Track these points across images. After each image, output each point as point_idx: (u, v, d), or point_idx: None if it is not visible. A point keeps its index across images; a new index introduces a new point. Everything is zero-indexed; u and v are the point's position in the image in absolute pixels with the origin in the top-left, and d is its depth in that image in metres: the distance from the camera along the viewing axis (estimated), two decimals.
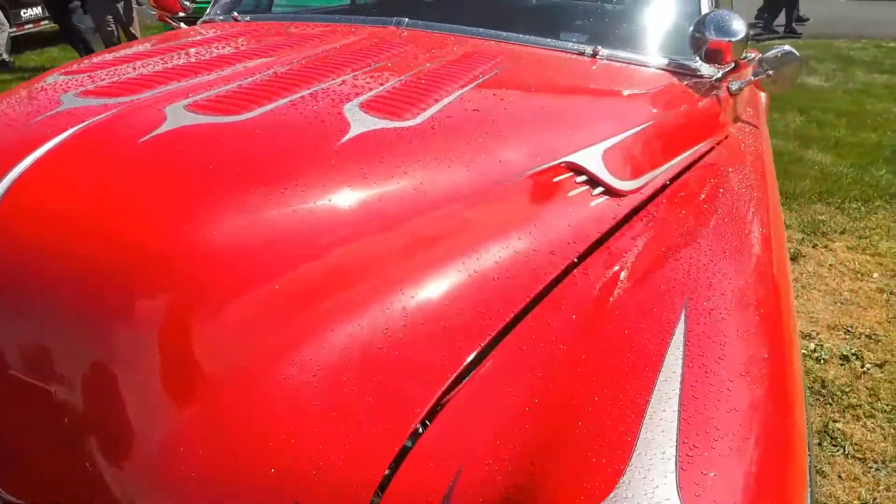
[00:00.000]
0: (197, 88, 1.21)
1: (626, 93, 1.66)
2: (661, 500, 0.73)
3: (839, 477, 2.26)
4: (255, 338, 0.89)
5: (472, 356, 0.97)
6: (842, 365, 2.86)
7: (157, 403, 0.86)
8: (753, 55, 2.10)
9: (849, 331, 3.11)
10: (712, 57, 1.82)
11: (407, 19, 1.92)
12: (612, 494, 0.74)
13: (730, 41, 1.77)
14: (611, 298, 1.08)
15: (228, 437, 0.86)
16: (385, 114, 1.18)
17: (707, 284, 1.12)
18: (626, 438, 0.81)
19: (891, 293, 3.45)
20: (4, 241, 0.86)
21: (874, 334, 3.08)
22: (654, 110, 1.64)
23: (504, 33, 1.87)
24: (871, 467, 2.30)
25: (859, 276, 3.64)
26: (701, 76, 1.89)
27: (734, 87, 2.01)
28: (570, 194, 1.28)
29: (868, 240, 4.03)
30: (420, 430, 0.89)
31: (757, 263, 1.28)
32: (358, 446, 0.86)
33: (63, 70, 1.40)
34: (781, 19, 11.62)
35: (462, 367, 0.95)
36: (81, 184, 0.91)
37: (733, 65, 1.87)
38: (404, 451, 0.87)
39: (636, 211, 1.38)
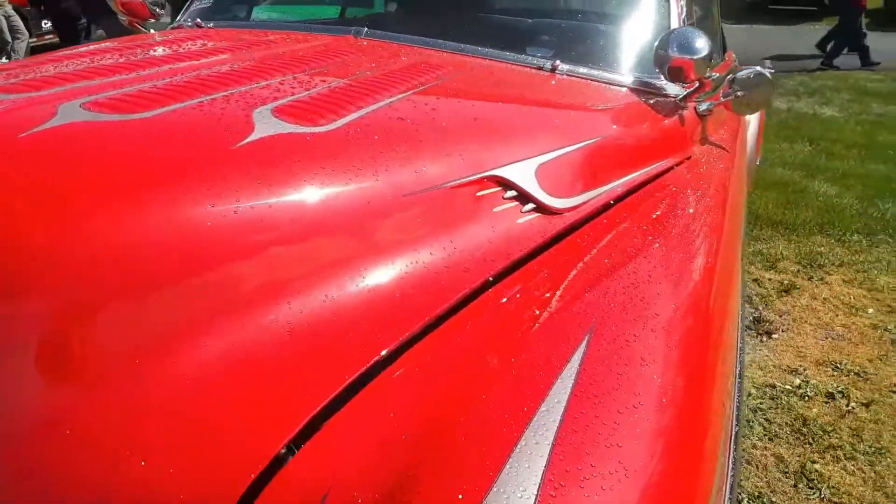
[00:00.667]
0: (105, 87, 1.16)
1: (576, 108, 1.60)
2: None
3: None
4: (119, 343, 0.84)
5: (355, 376, 0.90)
6: (826, 403, 2.75)
7: (20, 399, 0.81)
8: (717, 75, 2.03)
9: (837, 367, 3.00)
10: (675, 75, 1.75)
11: (366, 29, 1.87)
12: None
13: (691, 59, 1.71)
14: (516, 322, 1.01)
15: (81, 441, 0.80)
16: (297, 119, 1.13)
17: (622, 309, 1.05)
18: (489, 473, 0.74)
19: (885, 329, 3.33)
20: None
21: (863, 371, 2.97)
22: (606, 127, 1.57)
23: (465, 46, 1.82)
24: None
25: (854, 310, 3.53)
26: (666, 95, 1.83)
27: (703, 107, 1.94)
28: (494, 209, 1.21)
29: (866, 274, 3.92)
30: (287, 451, 0.82)
31: (690, 293, 1.20)
32: (219, 465, 0.80)
33: None
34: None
35: (343, 387, 0.89)
36: None
37: (698, 84, 1.80)
38: (268, 473, 0.81)
39: (571, 230, 1.30)
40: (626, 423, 0.82)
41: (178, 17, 2.18)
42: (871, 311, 3.52)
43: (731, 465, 1.09)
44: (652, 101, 1.78)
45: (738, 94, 1.91)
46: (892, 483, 2.32)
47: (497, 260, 1.14)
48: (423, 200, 1.12)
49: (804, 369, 2.98)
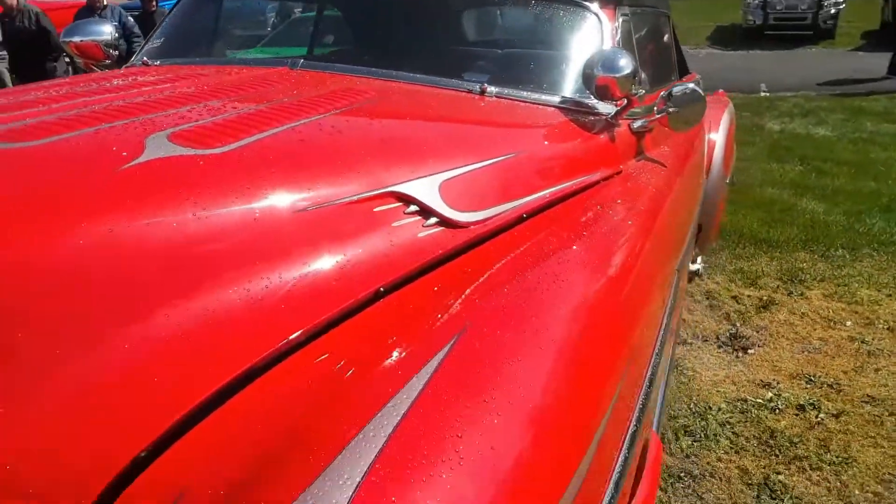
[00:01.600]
0: (12, 119, 1.22)
1: (496, 126, 1.65)
2: None
3: None
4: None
5: (223, 384, 0.93)
6: (797, 415, 2.73)
7: None
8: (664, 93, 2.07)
9: (811, 380, 2.98)
10: (602, 93, 1.80)
11: (302, 60, 1.94)
12: None
13: (615, 77, 1.75)
14: (390, 329, 1.04)
15: None
16: (192, 143, 1.18)
17: (502, 314, 1.07)
18: (320, 465, 0.77)
19: (862, 342, 3.31)
20: None
21: (837, 383, 2.95)
22: (525, 143, 1.62)
23: (400, 73, 1.88)
24: None
25: (832, 324, 3.51)
26: (598, 113, 1.87)
27: (637, 124, 1.98)
28: (394, 224, 1.25)
29: (847, 287, 3.90)
30: (145, 454, 0.85)
31: (586, 301, 1.23)
32: (83, 463, 0.83)
33: None
34: None
35: (211, 393, 0.92)
36: None
37: (626, 101, 1.84)
38: (127, 474, 0.84)
39: (476, 243, 1.34)
40: (470, 417, 0.85)
41: (132, 59, 2.26)
42: (849, 323, 3.51)
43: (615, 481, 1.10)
44: (580, 119, 1.83)
45: (671, 110, 1.95)
46: (857, 492, 2.29)
47: (391, 272, 1.18)
48: (317, 216, 1.16)
49: (777, 383, 2.96)
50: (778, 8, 16.01)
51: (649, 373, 1.38)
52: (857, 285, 3.93)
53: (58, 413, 0.86)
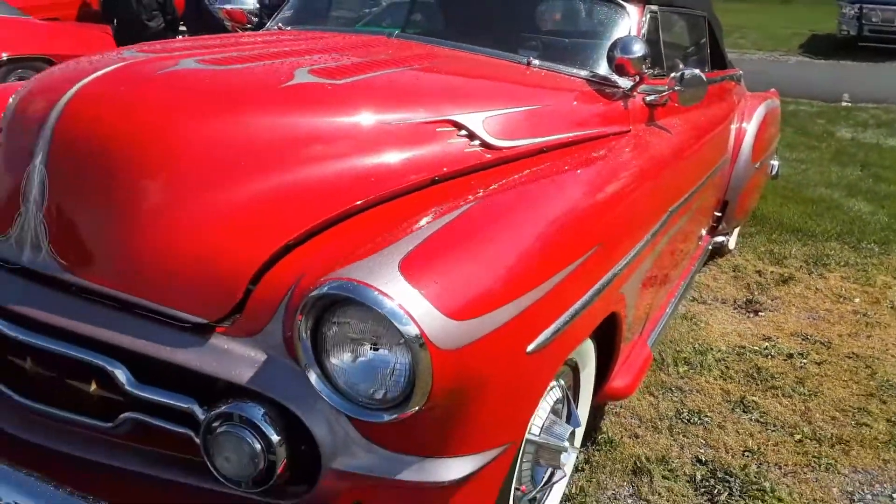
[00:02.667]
0: (212, 53, 1.91)
1: (531, 86, 2.25)
2: (380, 268, 1.30)
3: (737, 432, 2.65)
4: (199, 175, 1.54)
5: (330, 216, 1.57)
6: (785, 360, 3.22)
7: (124, 204, 1.51)
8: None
9: (807, 338, 3.46)
10: (619, 70, 2.37)
11: (397, 32, 2.59)
12: (353, 265, 1.32)
13: (629, 57, 2.32)
14: (435, 200, 1.66)
15: (174, 218, 1.49)
16: (323, 76, 1.84)
17: (504, 197, 1.69)
18: (385, 246, 1.39)
19: (864, 315, 3.74)
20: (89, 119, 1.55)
21: (829, 342, 3.41)
22: (550, 100, 2.22)
23: (468, 45, 2.50)
24: (768, 428, 2.69)
25: (841, 299, 3.94)
26: (616, 86, 2.45)
27: (649, 97, 2.54)
28: (448, 140, 1.87)
29: (865, 273, 4.30)
30: (286, 249, 1.50)
31: (573, 199, 1.82)
32: (255, 244, 1.49)
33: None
34: None
35: (326, 218, 1.56)
36: (120, 95, 1.61)
37: (639, 78, 2.41)
38: (276, 258, 1.48)
39: (504, 161, 1.95)
40: (480, 228, 1.47)
41: (268, 24, 2.96)
42: (857, 300, 3.93)
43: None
44: (601, 89, 2.41)
45: (677, 88, 2.50)
46: (818, 415, 2.79)
47: (445, 168, 1.80)
48: (398, 130, 1.80)
49: (777, 338, 3.44)
50: (873, 20, 15.76)
51: (623, 263, 1.94)
52: (875, 272, 4.32)
53: (236, 222, 1.52)
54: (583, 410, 2.15)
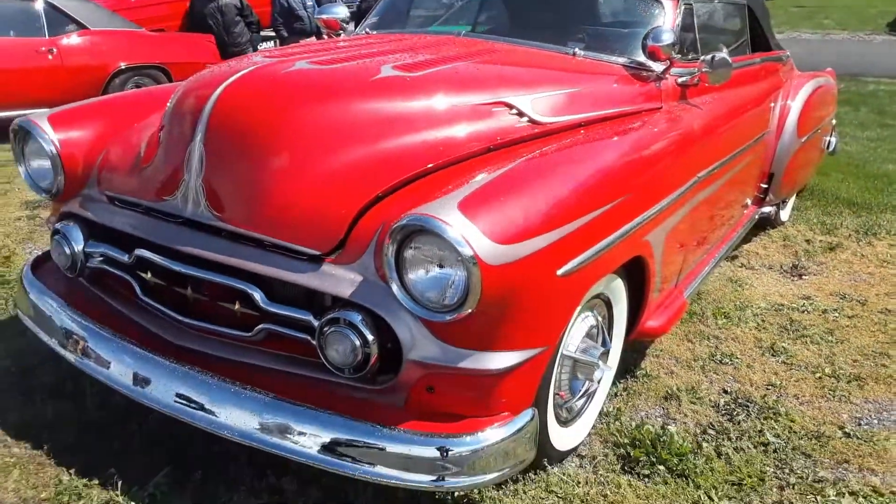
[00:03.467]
0: (319, 55, 2.45)
1: (573, 72, 2.71)
2: (444, 206, 1.79)
3: (763, 370, 3.03)
4: (313, 147, 2.08)
5: (411, 174, 2.08)
6: (819, 315, 3.55)
7: (259, 169, 2.06)
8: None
9: (844, 297, 3.76)
10: (652, 56, 2.80)
11: (464, 31, 3.08)
12: (425, 205, 1.81)
13: (659, 45, 2.74)
14: (492, 161, 2.15)
15: (295, 179, 2.04)
16: (403, 70, 2.35)
17: (557, 152, 2.16)
18: (449, 187, 1.89)
19: None
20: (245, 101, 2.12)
21: (864, 300, 3.71)
22: (589, 83, 2.67)
23: (524, 40, 2.97)
24: (792, 368, 3.05)
25: (885, 264, 4.20)
26: (650, 69, 2.87)
27: (680, 79, 2.94)
28: (501, 118, 2.35)
29: None
30: (377, 199, 2.01)
31: (609, 158, 2.27)
32: (353, 196, 2.01)
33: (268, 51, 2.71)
34: None
35: (406, 177, 2.07)
36: (257, 90, 2.16)
37: (669, 62, 2.82)
38: (369, 205, 2.01)
39: (546, 134, 2.41)
40: (532, 176, 1.95)
41: (356, 29, 3.51)
42: None
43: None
44: (637, 73, 2.84)
45: (705, 70, 2.90)
46: (841, 360, 3.12)
47: (499, 140, 2.29)
48: (461, 110, 2.29)
49: (816, 297, 3.76)
50: None
51: (647, 215, 2.37)
52: None
53: (339, 180, 2.05)
54: (616, 341, 2.60)
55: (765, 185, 4.16)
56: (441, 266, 1.81)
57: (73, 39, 7.51)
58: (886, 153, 6.98)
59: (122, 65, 7.71)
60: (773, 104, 3.98)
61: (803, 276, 4.05)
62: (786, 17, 21.17)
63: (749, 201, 4.03)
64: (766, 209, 4.24)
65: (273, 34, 10.85)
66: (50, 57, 7.29)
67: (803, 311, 3.59)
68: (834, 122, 5.41)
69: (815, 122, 4.48)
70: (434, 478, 1.87)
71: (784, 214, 4.80)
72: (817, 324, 3.44)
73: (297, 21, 8.47)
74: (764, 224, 4.60)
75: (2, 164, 6.25)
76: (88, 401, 2.59)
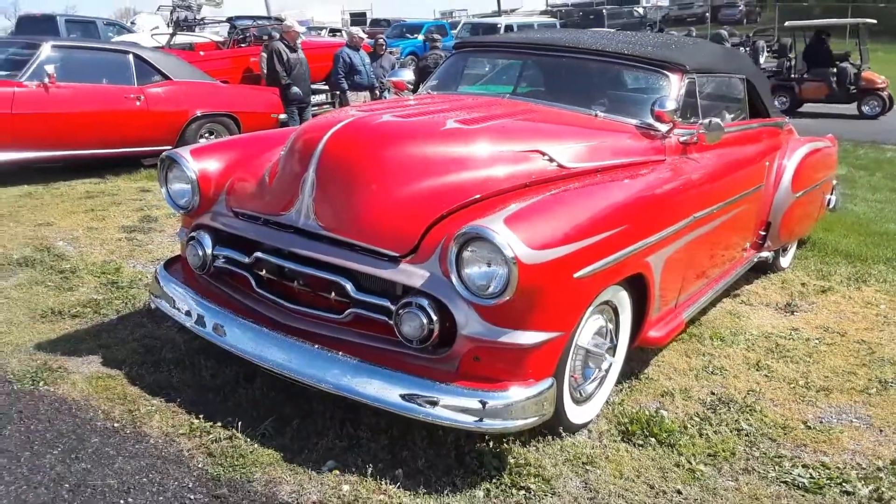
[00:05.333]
0: (399, 111, 3.23)
1: (595, 128, 3.44)
2: (493, 221, 2.50)
3: (747, 380, 3.64)
4: (396, 178, 2.82)
5: (469, 199, 2.81)
6: (803, 341, 4.14)
7: (356, 192, 2.80)
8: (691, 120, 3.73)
9: (827, 329, 4.36)
10: (658, 119, 3.52)
11: (508, 94, 3.86)
12: (479, 220, 2.53)
13: (664, 110, 3.46)
14: (527, 194, 2.87)
15: (383, 200, 2.77)
16: (463, 123, 3.11)
17: (578, 189, 2.87)
18: (496, 209, 2.60)
19: (885, 317, 4.58)
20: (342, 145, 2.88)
21: (845, 332, 4.30)
22: (607, 137, 3.40)
23: (557, 103, 3.73)
24: (772, 380, 3.65)
25: (869, 305, 4.79)
26: (657, 129, 3.59)
27: (682, 138, 3.66)
28: (535, 161, 3.08)
29: None
30: (442, 217, 2.74)
31: (616, 195, 2.97)
32: (425, 214, 2.74)
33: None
34: None
35: (463, 202, 2.80)
36: (356, 134, 2.93)
37: (672, 124, 3.54)
38: (436, 221, 2.73)
39: (571, 176, 3.13)
40: (546, 208, 2.66)
41: (419, 90, 4.30)
42: (882, 306, 4.76)
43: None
44: (646, 131, 3.56)
45: (701, 132, 3.62)
46: (815, 375, 3.72)
47: (533, 179, 3.01)
48: (506, 154, 3.03)
49: (802, 328, 4.36)
50: None
51: (646, 242, 3.05)
52: None
53: (413, 201, 2.79)
54: (622, 342, 3.25)
55: (763, 233, 4.81)
56: (489, 265, 2.51)
57: (157, 88, 8.49)
58: (892, 214, 7.56)
59: (199, 112, 8.65)
60: (768, 162, 4.66)
61: (795, 313, 4.65)
62: None
63: (748, 245, 4.68)
64: (765, 254, 4.87)
65: (326, 87, 11.97)
66: (137, 103, 8.25)
67: (789, 339, 4.19)
68: (834, 181, 6.05)
69: (811, 180, 5.13)
70: (476, 419, 2.54)
71: (785, 261, 5.43)
72: (799, 348, 4.05)
73: (356, 75, 9.51)
74: (765, 268, 5.23)
75: (96, 195, 7.15)
76: (204, 372, 3.31)
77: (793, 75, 16.44)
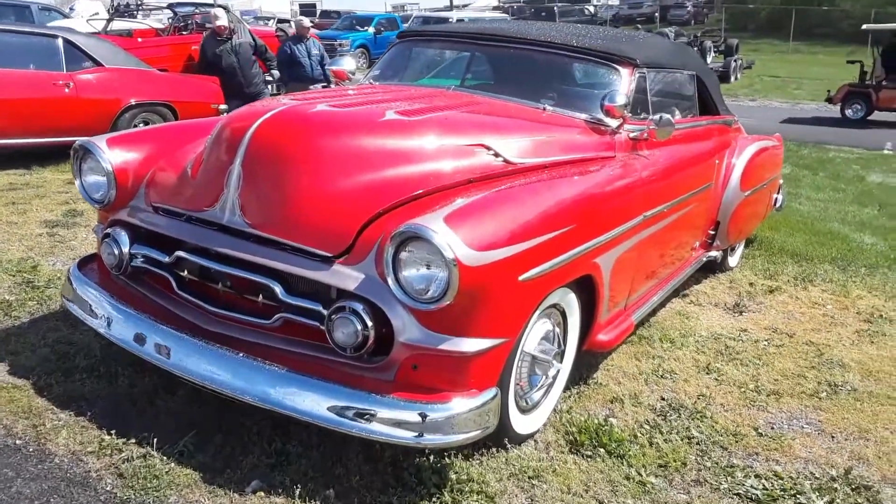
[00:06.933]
0: (336, 100, 3.01)
1: (542, 122, 3.28)
2: (433, 219, 2.31)
3: (697, 384, 3.53)
4: (330, 172, 2.61)
5: (409, 195, 2.61)
6: (751, 343, 4.07)
7: (286, 187, 2.58)
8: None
9: (776, 330, 4.30)
10: (608, 113, 3.38)
11: (454, 86, 3.67)
12: (417, 218, 2.33)
13: (614, 105, 3.32)
14: (470, 190, 2.69)
15: (315, 196, 2.55)
16: (403, 114, 2.90)
17: (520, 188, 2.70)
18: (436, 207, 2.41)
19: (831, 317, 4.56)
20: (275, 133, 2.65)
21: (793, 333, 4.25)
22: (554, 132, 3.24)
23: (503, 95, 3.56)
24: (722, 384, 3.56)
25: (816, 305, 4.76)
26: (606, 125, 3.44)
27: (632, 134, 3.52)
28: (480, 156, 2.90)
29: (844, 287, 5.10)
30: (378, 214, 2.54)
31: (550, 201, 2.79)
32: (360, 211, 2.53)
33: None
34: None
35: (402, 198, 2.60)
36: (287, 124, 2.70)
37: (621, 119, 3.40)
38: (372, 219, 2.52)
39: (517, 172, 2.95)
40: (489, 206, 2.48)
41: (362, 80, 4.08)
42: (829, 306, 4.74)
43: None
44: (595, 126, 3.41)
45: (651, 127, 3.49)
46: (764, 379, 3.64)
47: (479, 175, 2.83)
48: (448, 148, 2.84)
49: (751, 329, 4.30)
50: None
51: (595, 242, 2.90)
52: (854, 287, 5.11)
53: (351, 196, 2.58)
54: (570, 347, 3.10)
55: (712, 232, 4.74)
56: (428, 267, 2.32)
57: (88, 75, 8.05)
58: (835, 213, 7.63)
59: (133, 101, 8.24)
60: (717, 160, 4.58)
61: (743, 313, 4.59)
62: (761, 85, 22.39)
63: (697, 244, 4.59)
64: (713, 253, 4.80)
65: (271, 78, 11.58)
66: (66, 90, 7.80)
67: (738, 340, 4.12)
68: (781, 181, 6.05)
69: (759, 179, 5.08)
70: (415, 433, 2.35)
71: (733, 261, 5.38)
72: (748, 350, 3.97)
73: (300, 68, 9.14)
74: (713, 268, 5.16)
75: (19, 187, 6.72)
76: (121, 380, 3.04)
77: (869, 81, 15.45)
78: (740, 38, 27.07)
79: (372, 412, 2.37)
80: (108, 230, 2.95)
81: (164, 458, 2.54)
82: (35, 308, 3.82)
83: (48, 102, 7.69)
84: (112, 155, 3.01)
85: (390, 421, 2.36)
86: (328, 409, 2.38)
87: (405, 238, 2.30)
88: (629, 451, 2.85)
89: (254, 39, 9.43)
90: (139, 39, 13.52)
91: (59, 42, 8.06)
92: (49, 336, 3.46)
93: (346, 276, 2.43)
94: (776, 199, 5.90)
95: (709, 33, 28.81)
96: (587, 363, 3.54)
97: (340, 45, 23.48)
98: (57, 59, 7.99)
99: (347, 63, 4.07)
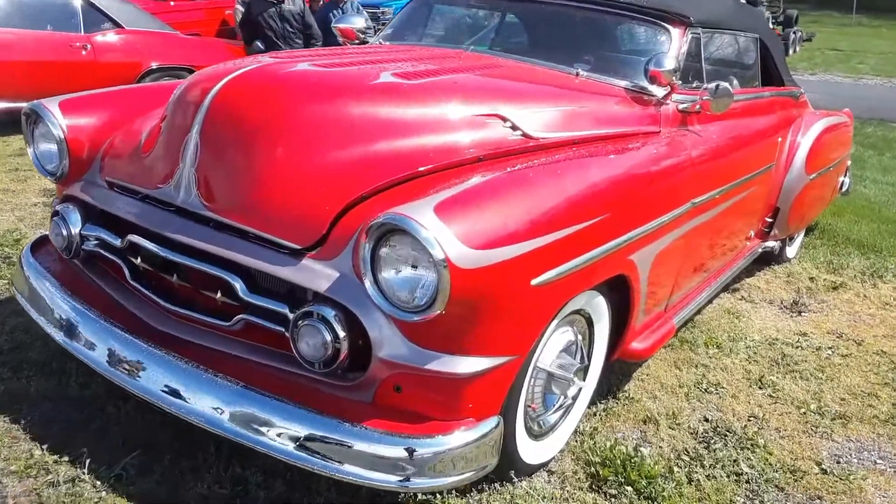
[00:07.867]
0: (324, 59, 2.52)
1: (573, 91, 2.74)
2: (420, 208, 1.82)
3: (748, 402, 3.01)
4: (304, 144, 2.13)
5: (402, 175, 2.12)
6: (812, 351, 3.51)
7: (251, 162, 2.11)
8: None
9: (841, 335, 3.72)
10: (653, 80, 2.82)
11: (472, 47, 3.14)
12: (403, 206, 1.84)
13: (661, 70, 2.77)
14: (481, 168, 2.18)
15: (284, 174, 2.08)
16: (402, 76, 2.40)
17: (543, 166, 2.19)
18: (431, 191, 1.92)
19: None
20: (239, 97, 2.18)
21: (861, 340, 3.67)
22: (587, 102, 2.70)
23: (525, 58, 3.02)
24: (777, 402, 3.02)
25: (887, 306, 4.16)
26: (651, 94, 2.89)
27: (682, 105, 2.96)
28: (495, 129, 2.39)
29: None
30: (360, 199, 2.05)
31: (578, 186, 2.26)
32: (338, 194, 2.05)
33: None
34: None
35: (393, 179, 2.11)
36: (255, 86, 2.23)
37: (670, 88, 2.84)
38: (352, 205, 2.04)
39: (538, 149, 2.44)
40: (496, 191, 1.98)
41: (371, 41, 3.57)
42: None
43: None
44: (637, 96, 2.86)
45: (706, 98, 2.92)
46: (828, 397, 3.09)
47: (493, 150, 2.32)
48: (457, 118, 2.34)
49: (812, 334, 3.73)
50: None
51: (631, 235, 2.38)
52: None
53: (325, 179, 2.10)
54: (596, 359, 2.60)
55: (770, 220, 4.15)
56: (414, 267, 1.84)
57: (107, 37, 7.69)
58: (876, 187, 6.91)
59: (154, 64, 7.87)
60: (780, 138, 3.98)
61: (802, 313, 4.01)
62: (822, 59, 21.16)
63: (752, 233, 4.01)
64: (770, 243, 4.21)
65: None
66: (84, 53, 7.46)
67: (797, 347, 3.56)
68: (849, 162, 5.38)
69: (827, 160, 4.46)
70: (400, 478, 1.89)
71: (791, 251, 4.77)
72: (809, 360, 3.41)
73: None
74: (769, 259, 4.57)
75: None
76: (72, 380, 2.64)
77: None
78: (800, 10, 25.67)
79: (346, 445, 1.91)
80: (58, 207, 2.53)
81: (98, 483, 2.13)
82: (4, 288, 3.45)
83: (64, 65, 7.34)
84: (65, 120, 2.58)
85: (369, 457, 1.91)
86: (290, 438, 1.94)
87: (385, 231, 1.82)
88: (663, 490, 2.35)
89: (304, 11, 8.68)
90: (172, 3, 13.22)
91: (78, 2, 7.71)
92: (9, 322, 3.08)
93: (315, 274, 1.97)
94: (842, 181, 5.25)
95: (767, 4, 27.40)
96: (618, 370, 3.04)
97: (383, 13, 22.83)
98: (75, 21, 7.63)
99: (356, 21, 3.56)
